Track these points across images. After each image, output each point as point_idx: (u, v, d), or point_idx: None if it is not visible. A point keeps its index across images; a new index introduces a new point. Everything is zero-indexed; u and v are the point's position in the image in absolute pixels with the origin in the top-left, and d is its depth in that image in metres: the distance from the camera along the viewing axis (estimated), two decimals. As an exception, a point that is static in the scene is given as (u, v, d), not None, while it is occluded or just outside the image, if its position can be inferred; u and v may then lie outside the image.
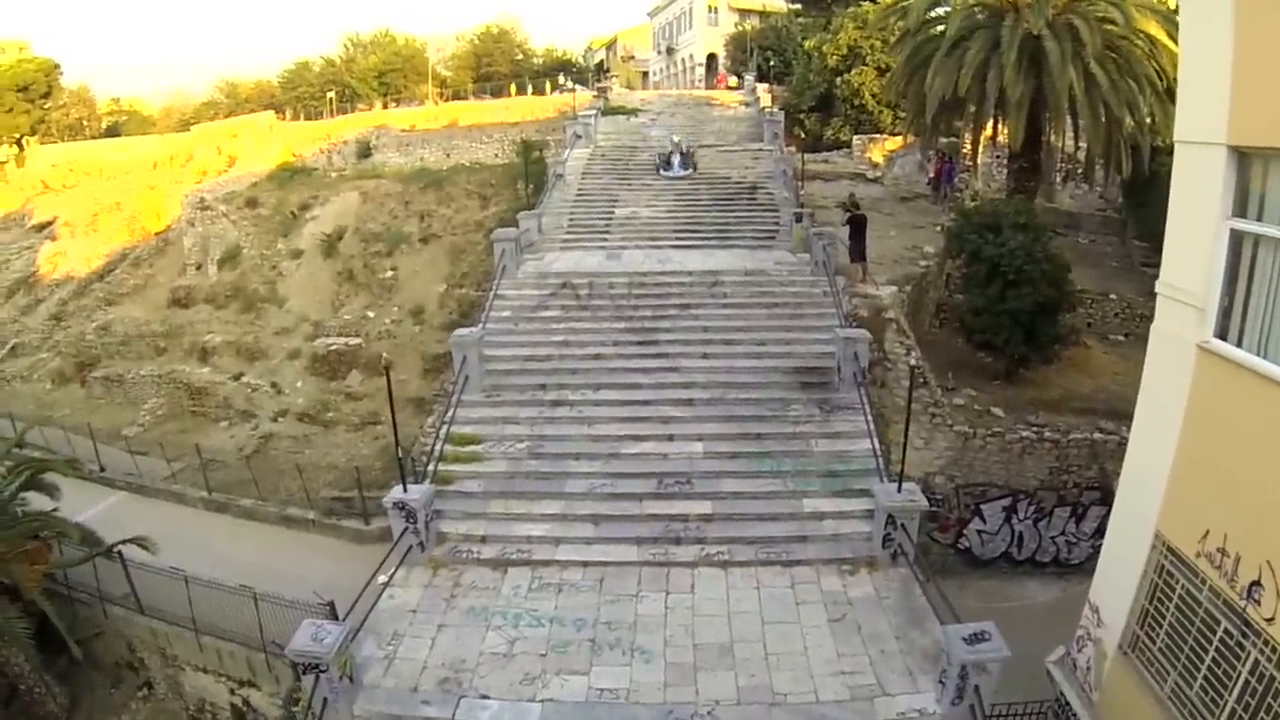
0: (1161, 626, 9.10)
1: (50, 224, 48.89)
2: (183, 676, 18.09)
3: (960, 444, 16.35)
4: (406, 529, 11.73)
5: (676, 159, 25.67)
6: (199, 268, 37.17)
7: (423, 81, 59.81)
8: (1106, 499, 16.47)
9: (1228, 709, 7.80)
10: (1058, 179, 27.51)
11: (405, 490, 11.86)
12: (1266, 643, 7.33)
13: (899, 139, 29.77)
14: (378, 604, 10.93)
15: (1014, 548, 17.13)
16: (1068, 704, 10.71)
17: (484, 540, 12.13)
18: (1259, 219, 7.80)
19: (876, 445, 13.11)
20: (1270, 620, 7.29)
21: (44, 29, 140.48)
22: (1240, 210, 8.00)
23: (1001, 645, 8.56)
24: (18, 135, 62.91)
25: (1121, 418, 16.98)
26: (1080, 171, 27.26)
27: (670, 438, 13.77)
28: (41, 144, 63.63)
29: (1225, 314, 8.22)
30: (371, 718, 9.05)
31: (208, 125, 54.24)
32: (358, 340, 29.64)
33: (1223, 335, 8.23)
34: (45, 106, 65.02)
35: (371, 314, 30.49)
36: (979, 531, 16.94)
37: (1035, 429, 16.56)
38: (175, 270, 39.14)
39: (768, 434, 13.77)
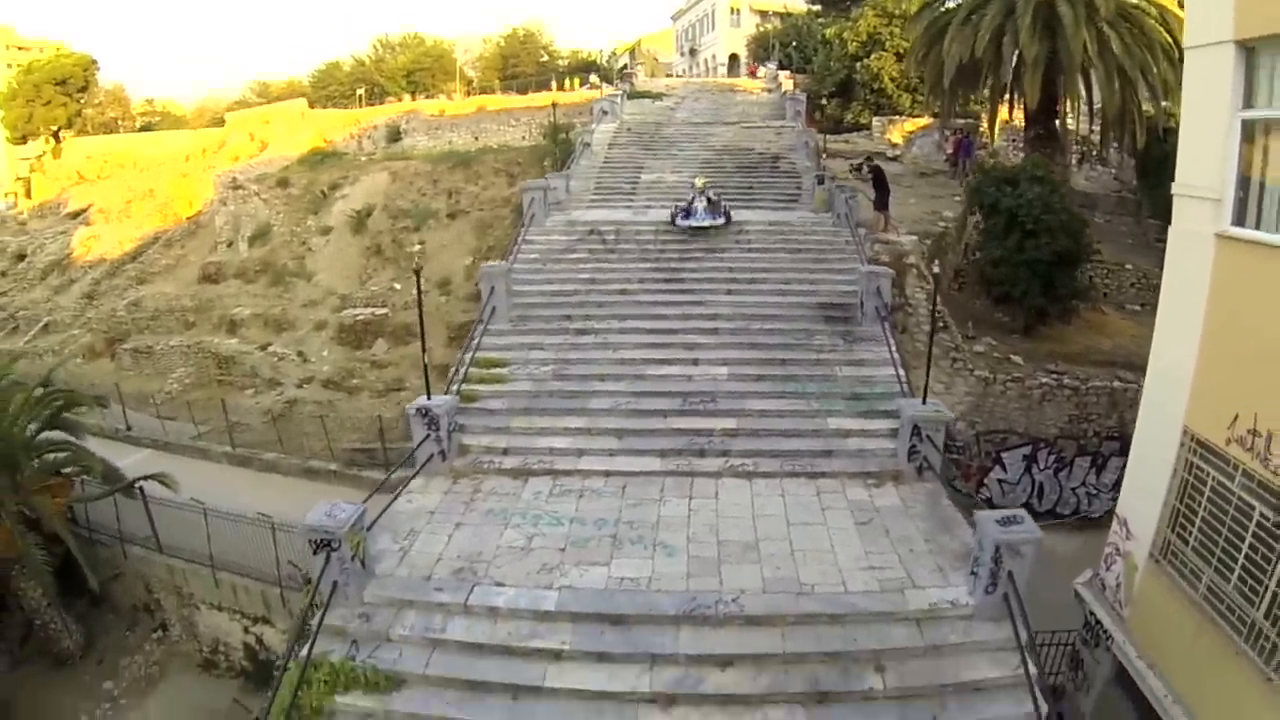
0: (1194, 525, 9.04)
1: (84, 211, 49.82)
2: (198, 616, 18.24)
3: (981, 389, 16.34)
4: (428, 436, 11.84)
5: (700, 205, 19.07)
6: (230, 245, 37.73)
7: (450, 80, 60.64)
8: (1126, 449, 16.37)
9: (1268, 595, 7.69)
10: (1073, 161, 27.53)
11: (429, 398, 12.00)
12: (1308, 516, 7.25)
13: (918, 120, 30.01)
14: (394, 505, 11.04)
15: (1035, 499, 17.04)
16: (1098, 623, 10.62)
17: (506, 452, 12.21)
18: (1269, 105, 8.06)
19: (900, 372, 13.09)
20: (1308, 492, 7.24)
21: (77, 35, 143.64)
22: (1249, 101, 8.26)
23: (1035, 529, 8.50)
24: (55, 128, 64.25)
25: (1140, 370, 16.86)
26: (1095, 154, 27.39)
27: (695, 362, 13.86)
28: (76, 137, 65.10)
29: (1241, 203, 8.45)
30: (381, 603, 8.97)
31: (241, 112, 55.29)
32: (384, 310, 30.04)
33: (1239, 223, 8.44)
34: (81, 100, 66.32)
35: (398, 286, 30.83)
36: (1000, 481, 16.85)
37: (1054, 376, 16.54)
38: (206, 250, 39.71)
39: (792, 360, 13.84)
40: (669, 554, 9.61)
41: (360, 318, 30.16)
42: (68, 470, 18.42)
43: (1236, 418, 8.33)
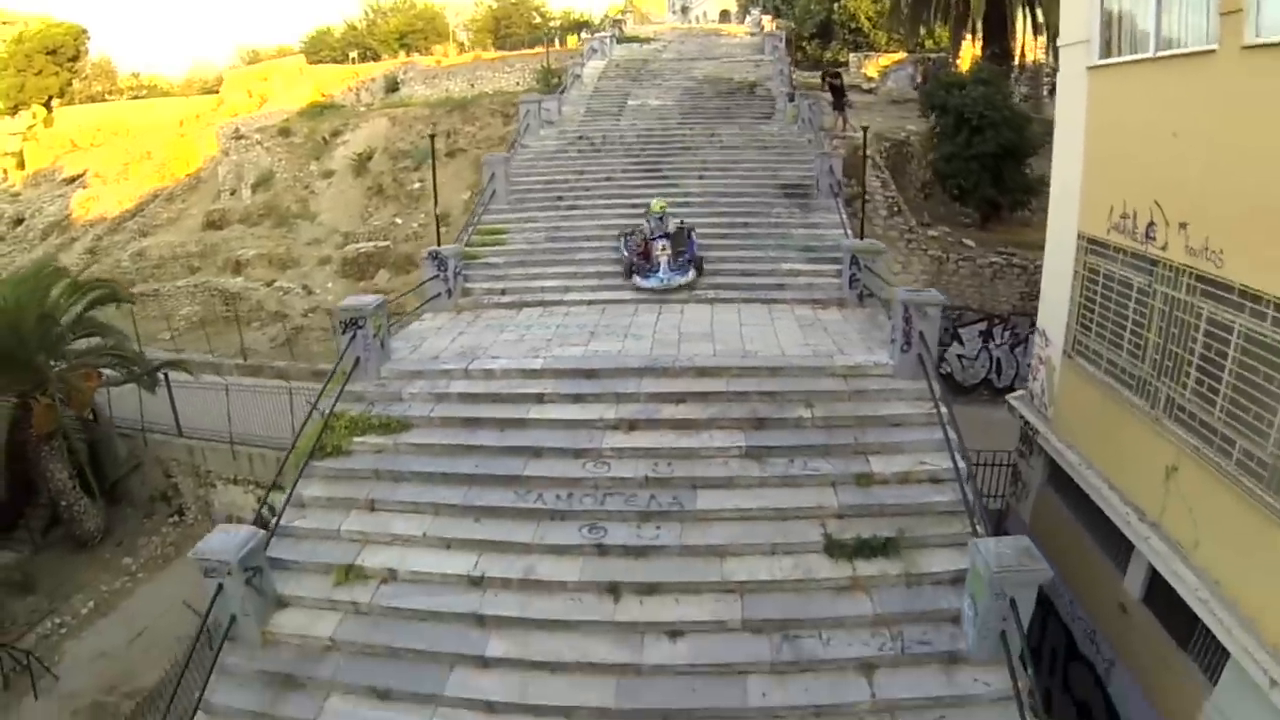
0: (1093, 315, 10.73)
1: (80, 176, 50.21)
2: (213, 494, 19.79)
3: (935, 268, 17.94)
4: (436, 276, 13.54)
5: (663, 252, 13.76)
6: (233, 193, 39.09)
7: (444, 42, 61.78)
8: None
9: (1150, 348, 9.30)
10: (1045, 92, 29.04)
11: (439, 246, 13.67)
12: (1166, 267, 8.91)
13: (893, 56, 31.59)
14: (407, 326, 12.78)
15: (993, 374, 18.57)
16: (1029, 427, 12.33)
17: (504, 292, 14.00)
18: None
19: (848, 232, 14.73)
20: (1164, 248, 8.92)
21: (60, 8, 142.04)
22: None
23: (941, 296, 10.08)
24: (46, 97, 64.81)
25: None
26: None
27: (670, 224, 15.48)
28: (66, 107, 65.55)
29: (1105, 41, 10.32)
30: (395, 376, 10.68)
31: (239, 70, 56.23)
32: (386, 243, 31.60)
33: (1104, 56, 10.36)
34: (73, 70, 66.84)
35: (399, 221, 32.42)
36: (959, 356, 18.38)
37: (1004, 255, 18.12)
38: (208, 201, 40.87)
39: (753, 223, 15.57)
40: (637, 339, 11.37)
41: (363, 251, 31.70)
42: (95, 359, 19.95)
43: (1112, 209, 10.04)
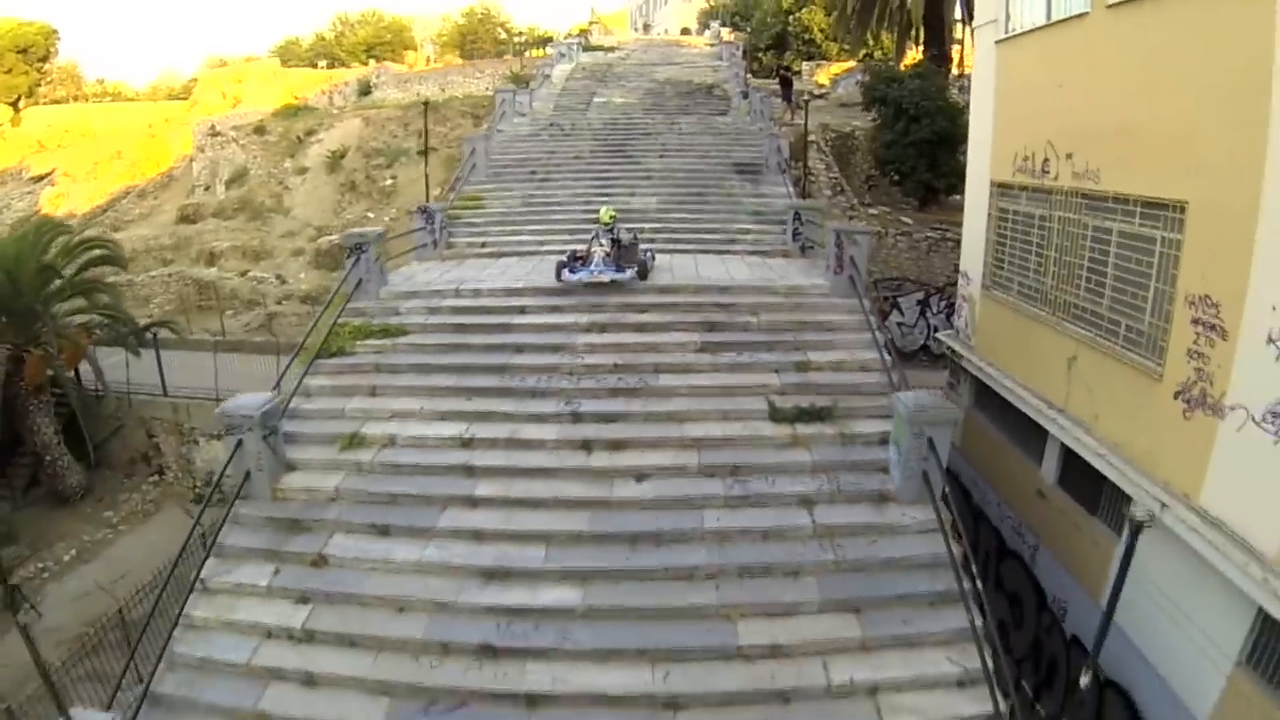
0: (1005, 249, 12.42)
1: (48, 175, 49.98)
2: (196, 451, 20.39)
3: (875, 242, 19.55)
4: (424, 228, 14.84)
5: (599, 247, 12.13)
6: (207, 189, 39.76)
7: (412, 52, 63.21)
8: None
9: (1050, 264, 10.87)
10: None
11: (428, 203, 14.99)
12: (1059, 194, 10.56)
13: (843, 64, 33.73)
14: (399, 268, 13.99)
15: (931, 341, 20.10)
16: (957, 356, 13.87)
17: (484, 245, 15.44)
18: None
19: (793, 198, 16.40)
20: (1056, 178, 10.61)
21: (28, 11, 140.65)
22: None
23: (867, 228, 11.69)
24: (15, 96, 64.46)
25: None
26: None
27: (633, 194, 17.17)
28: (33, 108, 65.16)
29: (1007, 20, 12.20)
30: (393, 297, 12.06)
31: (213, 71, 56.83)
32: (358, 234, 32.56)
33: (1008, 33, 12.22)
34: (43, 70, 66.66)
35: (371, 215, 33.40)
36: (898, 324, 19.98)
37: (939, 230, 19.86)
38: (181, 197, 41.40)
39: (708, 194, 17.31)
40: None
41: (336, 243, 32.60)
42: (89, 314, 20.61)
43: (1015, 155, 11.76)
